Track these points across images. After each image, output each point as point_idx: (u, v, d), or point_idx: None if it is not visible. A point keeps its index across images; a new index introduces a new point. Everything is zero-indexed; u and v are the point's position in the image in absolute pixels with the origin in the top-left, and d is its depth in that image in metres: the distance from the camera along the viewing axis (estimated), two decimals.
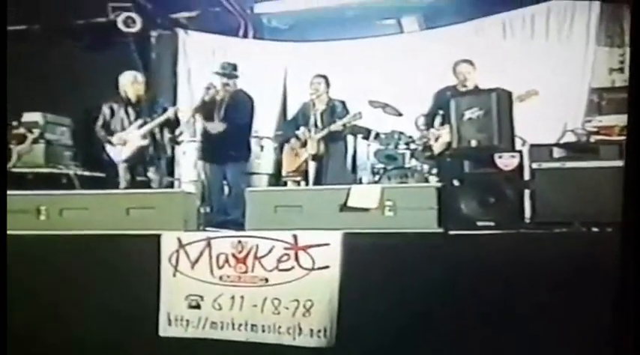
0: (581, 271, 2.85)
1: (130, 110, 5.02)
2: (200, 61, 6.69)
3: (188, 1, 6.73)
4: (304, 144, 5.40)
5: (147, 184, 4.97)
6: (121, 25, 6.23)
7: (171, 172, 5.87)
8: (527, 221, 3.38)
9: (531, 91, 4.56)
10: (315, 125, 5.39)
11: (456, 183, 3.48)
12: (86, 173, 5.64)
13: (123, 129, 5.01)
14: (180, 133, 5.37)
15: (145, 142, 4.93)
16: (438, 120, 5.00)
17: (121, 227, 3.56)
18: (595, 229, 3.23)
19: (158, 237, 3.42)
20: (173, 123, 5.07)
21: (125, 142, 4.95)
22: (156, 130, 4.98)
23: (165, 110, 5.09)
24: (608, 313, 2.59)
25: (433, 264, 3.07)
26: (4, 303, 3.03)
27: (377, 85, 6.05)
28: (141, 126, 4.95)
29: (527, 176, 3.44)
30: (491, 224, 3.33)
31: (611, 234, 2.95)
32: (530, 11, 5.99)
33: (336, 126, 5.26)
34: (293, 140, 5.49)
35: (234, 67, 5.27)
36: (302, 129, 5.43)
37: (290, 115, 6.15)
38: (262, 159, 5.91)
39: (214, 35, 6.84)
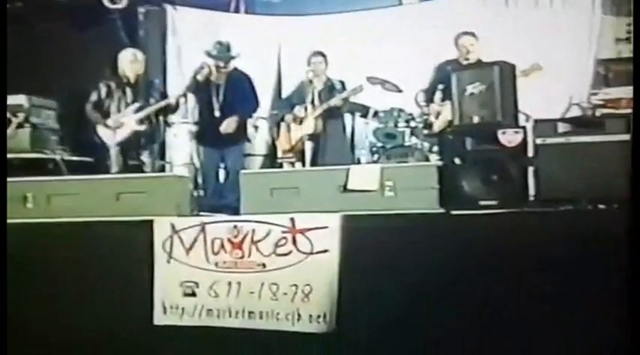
0: (588, 249, 2.84)
1: (128, 91, 4.95)
2: (190, 37, 6.60)
3: None
4: (300, 123, 5.36)
5: (139, 168, 4.94)
6: (106, 2, 6.13)
7: (162, 155, 5.84)
8: (532, 199, 3.36)
9: (535, 66, 4.52)
10: (313, 103, 5.35)
11: (457, 161, 3.46)
12: (74, 158, 5.58)
13: (118, 110, 4.94)
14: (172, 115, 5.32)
15: (142, 127, 4.89)
16: (438, 95, 4.95)
17: (112, 213, 3.54)
18: (602, 206, 3.22)
19: (151, 222, 3.41)
20: (173, 109, 5.02)
21: (121, 125, 4.90)
22: (152, 114, 4.94)
23: (163, 93, 5.04)
24: (617, 292, 2.61)
25: (435, 245, 3.06)
26: (5, 300, 3.03)
27: (375, 61, 5.99)
28: (138, 109, 4.89)
29: (531, 152, 3.41)
30: (495, 203, 3.32)
31: (618, 211, 2.95)
32: None
33: (336, 100, 5.23)
34: (288, 118, 5.45)
35: (228, 47, 5.17)
36: (298, 107, 5.39)
37: (285, 94, 6.10)
38: (257, 140, 5.88)
39: (204, 10, 6.74)
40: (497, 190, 3.37)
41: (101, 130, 4.97)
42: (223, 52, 5.13)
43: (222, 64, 5.10)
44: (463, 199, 3.37)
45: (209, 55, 5.13)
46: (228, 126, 5.04)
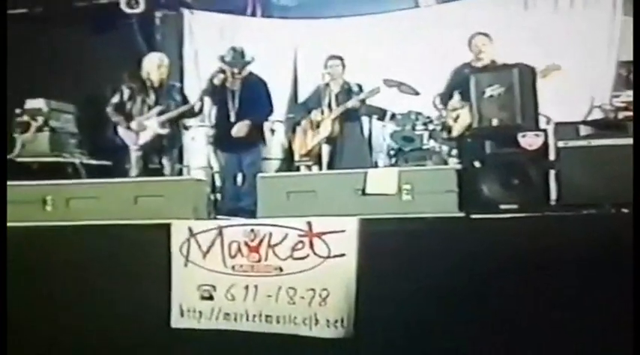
0: (611, 255, 2.81)
1: (152, 94, 4.99)
2: (207, 42, 6.64)
3: None
4: (317, 126, 5.37)
5: (159, 171, 4.98)
6: (124, 6, 6.20)
7: (180, 159, 5.88)
8: (553, 203, 3.33)
9: (552, 66, 4.48)
10: (330, 106, 5.35)
11: (477, 164, 3.43)
12: (92, 161, 5.65)
13: (141, 113, 4.99)
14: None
15: (165, 131, 4.93)
16: (456, 98, 4.93)
17: (130, 216, 3.57)
18: (625, 210, 3.17)
19: (168, 226, 3.43)
20: (194, 113, 5.08)
21: (144, 128, 4.94)
22: (173, 118, 4.98)
23: (184, 96, 5.09)
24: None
25: (454, 249, 3.04)
26: (4, 296, 3.07)
27: (392, 63, 5.97)
28: (161, 112, 4.93)
29: (552, 156, 3.38)
30: (515, 207, 3.29)
31: None
32: None
33: (354, 101, 5.23)
34: (305, 122, 5.46)
35: (242, 54, 5.20)
36: (314, 111, 5.40)
37: (302, 97, 6.11)
38: (273, 144, 5.89)
39: (221, 14, 6.77)
40: (517, 194, 3.34)
41: (123, 133, 5.02)
42: (237, 58, 5.16)
43: (236, 71, 5.13)
44: (483, 203, 3.35)
45: (223, 61, 5.17)
46: (239, 130, 5.07)
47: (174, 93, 5.08)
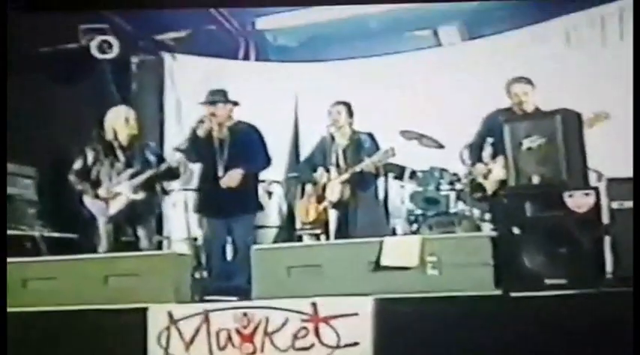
0: None
1: (120, 155, 5.01)
2: (191, 90, 6.78)
3: (176, 19, 6.85)
4: (323, 189, 5.42)
5: (133, 245, 4.94)
6: (94, 51, 6.36)
7: (159, 229, 5.90)
8: (609, 276, 3.34)
9: (601, 115, 4.55)
10: (337, 165, 5.42)
11: (515, 230, 3.47)
12: (54, 234, 5.68)
13: (110, 178, 5.01)
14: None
15: (139, 197, 4.92)
16: (488, 151, 4.99)
17: (99, 300, 3.60)
18: None
19: (144, 311, 3.44)
20: (174, 174, 5.07)
21: (114, 195, 4.97)
22: (150, 181, 4.99)
23: (159, 156, 5.12)
24: None
25: (491, 334, 3.05)
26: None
27: (410, 112, 6.10)
28: (133, 175, 4.96)
29: (606, 219, 3.41)
30: (564, 282, 3.31)
31: None
32: (599, 13, 6.02)
33: (364, 165, 5.26)
34: (309, 182, 5.52)
35: (224, 94, 5.22)
36: (320, 170, 5.46)
37: (304, 153, 6.19)
38: (271, 209, 5.93)
39: (208, 58, 6.96)
40: (566, 266, 3.36)
41: (90, 202, 4.98)
42: (219, 96, 5.21)
43: (220, 113, 5.13)
44: (524, 278, 3.37)
45: (205, 103, 5.21)
46: (230, 179, 5.04)
47: (149, 152, 5.07)
